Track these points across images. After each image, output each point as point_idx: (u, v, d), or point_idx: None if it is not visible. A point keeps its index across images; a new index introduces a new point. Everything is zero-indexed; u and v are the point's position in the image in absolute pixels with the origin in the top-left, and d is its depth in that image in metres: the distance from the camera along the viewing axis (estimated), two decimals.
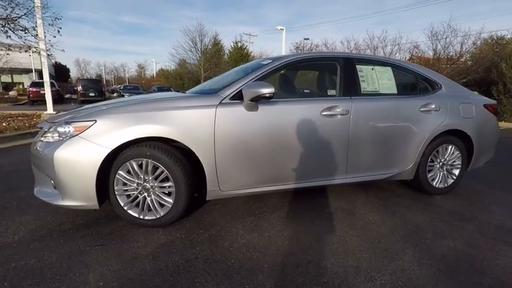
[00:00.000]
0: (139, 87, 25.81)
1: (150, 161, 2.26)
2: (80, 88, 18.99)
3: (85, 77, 45.33)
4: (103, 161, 2.15)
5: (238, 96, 2.44)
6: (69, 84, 36.52)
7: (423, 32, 26.57)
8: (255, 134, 2.44)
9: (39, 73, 29.90)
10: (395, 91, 3.03)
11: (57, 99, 16.25)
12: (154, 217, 2.37)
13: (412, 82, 3.22)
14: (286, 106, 2.56)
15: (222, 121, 2.35)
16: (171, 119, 2.25)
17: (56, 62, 40.89)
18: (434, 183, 3.28)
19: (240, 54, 31.36)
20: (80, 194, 2.19)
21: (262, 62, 2.79)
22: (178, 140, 2.25)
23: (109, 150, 2.14)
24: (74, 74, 63.08)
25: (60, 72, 40.78)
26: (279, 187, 2.68)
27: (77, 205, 2.22)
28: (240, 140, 2.41)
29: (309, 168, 2.71)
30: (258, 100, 2.38)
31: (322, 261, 2.00)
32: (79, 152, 2.12)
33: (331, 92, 2.80)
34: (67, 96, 25.74)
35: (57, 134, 2.21)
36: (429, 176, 3.24)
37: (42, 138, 2.31)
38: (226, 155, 2.39)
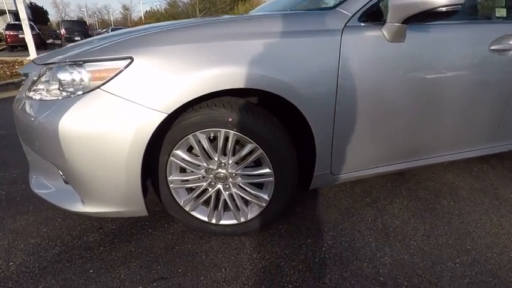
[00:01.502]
0: None
1: (232, 132, 1.30)
2: (63, 31, 16.90)
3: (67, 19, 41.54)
4: (152, 134, 1.18)
5: (367, 16, 1.40)
6: (49, 28, 33.35)
7: None
8: (397, 80, 1.43)
9: (15, 15, 26.80)
10: None
11: (39, 45, 14.37)
12: (235, 221, 1.48)
13: None
14: (443, 34, 1.52)
15: (348, 59, 1.33)
16: (268, 55, 1.21)
17: (31, 3, 36.76)
18: None
19: None
20: (116, 195, 1.25)
21: None
22: (282, 95, 1.26)
23: (164, 116, 1.15)
24: (52, 17, 57.77)
25: (37, 15, 36.90)
26: (405, 165, 1.75)
27: (111, 212, 1.30)
28: (375, 92, 1.42)
29: (453, 135, 1.76)
30: (420, 21, 1.34)
31: None
32: (107, 119, 1.14)
33: (499, 11, 1.75)
34: (49, 41, 23.34)
35: (59, 86, 1.20)
36: None
37: (31, 94, 1.29)
38: (352, 118, 1.42)
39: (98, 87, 1.13)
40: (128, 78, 1.13)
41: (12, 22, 17.62)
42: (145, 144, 1.16)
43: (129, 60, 1.13)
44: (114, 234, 1.51)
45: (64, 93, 1.18)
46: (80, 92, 1.14)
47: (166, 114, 1.15)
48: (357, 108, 1.41)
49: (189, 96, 1.15)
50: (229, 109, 1.25)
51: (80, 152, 1.16)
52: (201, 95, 1.16)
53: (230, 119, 1.25)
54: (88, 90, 1.13)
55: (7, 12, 25.84)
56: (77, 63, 1.15)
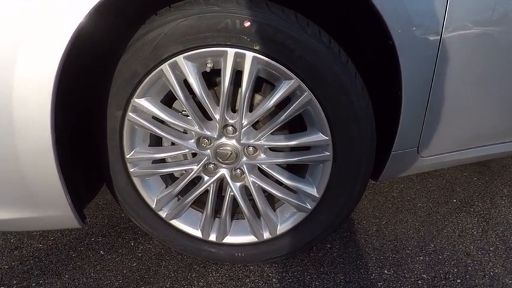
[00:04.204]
0: None
1: (251, 54, 0.61)
2: None
3: None
4: (74, 49, 0.55)
5: None
6: None
7: None
8: None
9: None
10: None
11: None
12: (251, 239, 0.80)
13: None
14: None
15: None
16: None
17: None
18: None
19: None
20: (8, 187, 0.61)
21: None
22: None
23: (92, 3, 0.53)
24: None
25: None
26: None
27: (4, 220, 0.66)
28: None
29: None
30: None
31: None
32: None
33: None
34: None
35: None
36: None
37: None
38: (469, 51, 0.76)
39: None
40: None
41: None
42: (56, 69, 0.52)
43: None
44: (37, 260, 0.85)
45: None
46: None
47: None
48: (475, 42, 0.75)
49: None
50: (247, 4, 0.61)
51: None
52: None
53: (248, 24, 0.60)
54: None
55: None
56: None
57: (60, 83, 0.54)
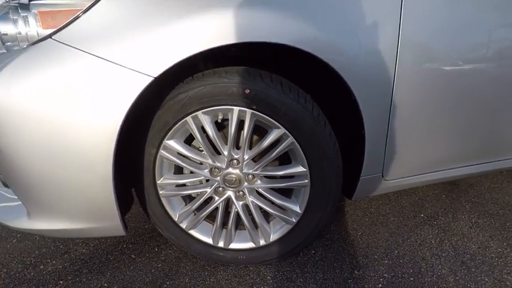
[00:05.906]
0: None
1: (250, 111, 0.86)
2: None
3: None
4: (131, 111, 0.79)
5: None
6: None
7: None
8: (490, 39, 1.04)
9: None
10: None
11: None
12: (251, 245, 1.04)
13: None
14: None
15: (414, 10, 0.95)
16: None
17: None
18: None
19: None
20: (75, 204, 0.85)
21: None
22: (321, 55, 0.87)
23: (148, 81, 0.75)
24: None
25: None
26: (478, 169, 1.31)
27: (69, 229, 0.89)
28: (451, 60, 1.03)
29: None
30: None
31: None
32: (62, 84, 0.76)
33: None
34: None
35: None
36: None
37: None
38: (422, 93, 1.01)
39: (50, 36, 0.75)
40: (92, 23, 0.75)
41: None
42: (119, 127, 0.77)
43: None
44: (83, 262, 1.09)
45: None
46: (20, 44, 0.76)
47: (152, 78, 0.76)
48: (422, 84, 1.00)
49: (183, 52, 0.76)
50: (247, 77, 0.86)
51: (19, 138, 0.76)
52: (199, 51, 0.77)
53: (247, 91, 0.85)
54: (34, 41, 0.76)
55: None
56: (21, 4, 0.79)
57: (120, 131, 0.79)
